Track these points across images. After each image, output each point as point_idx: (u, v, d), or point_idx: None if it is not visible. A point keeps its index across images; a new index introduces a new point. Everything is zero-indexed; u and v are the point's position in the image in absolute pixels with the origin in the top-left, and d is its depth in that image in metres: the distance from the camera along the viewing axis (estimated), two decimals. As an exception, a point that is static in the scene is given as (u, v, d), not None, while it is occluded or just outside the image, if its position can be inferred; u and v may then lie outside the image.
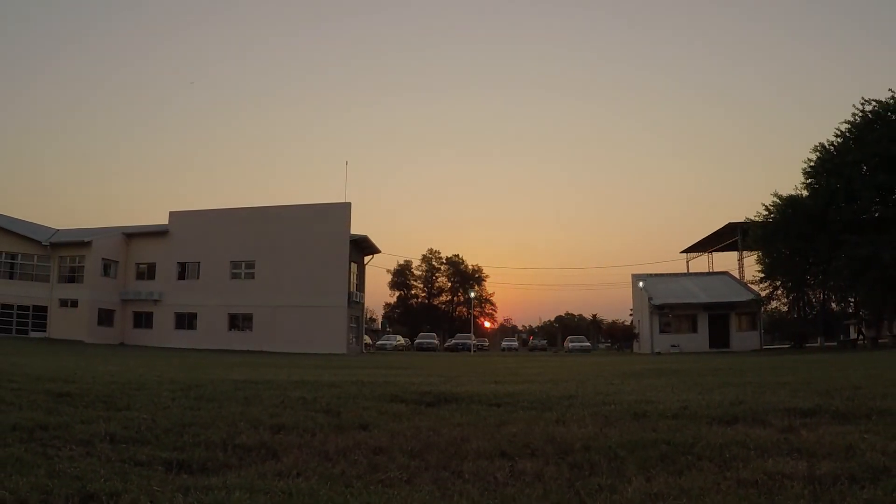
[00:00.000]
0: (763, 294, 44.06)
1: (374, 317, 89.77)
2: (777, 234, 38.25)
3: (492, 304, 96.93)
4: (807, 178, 38.21)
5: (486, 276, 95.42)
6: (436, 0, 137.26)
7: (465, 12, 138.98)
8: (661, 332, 48.17)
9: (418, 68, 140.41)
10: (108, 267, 43.84)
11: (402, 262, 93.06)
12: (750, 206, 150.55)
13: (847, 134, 36.49)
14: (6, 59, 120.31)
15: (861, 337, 40.13)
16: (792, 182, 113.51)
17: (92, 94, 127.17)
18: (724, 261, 71.76)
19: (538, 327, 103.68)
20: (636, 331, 55.11)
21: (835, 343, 43.25)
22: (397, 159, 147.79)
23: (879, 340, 37.21)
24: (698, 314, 48.00)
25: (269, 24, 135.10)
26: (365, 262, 48.03)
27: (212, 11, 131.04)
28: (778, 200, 39.13)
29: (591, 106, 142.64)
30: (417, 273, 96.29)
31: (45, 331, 41.05)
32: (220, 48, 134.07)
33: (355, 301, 44.42)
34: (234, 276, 44.16)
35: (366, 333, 55.11)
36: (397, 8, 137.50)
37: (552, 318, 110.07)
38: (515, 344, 66.61)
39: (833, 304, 44.66)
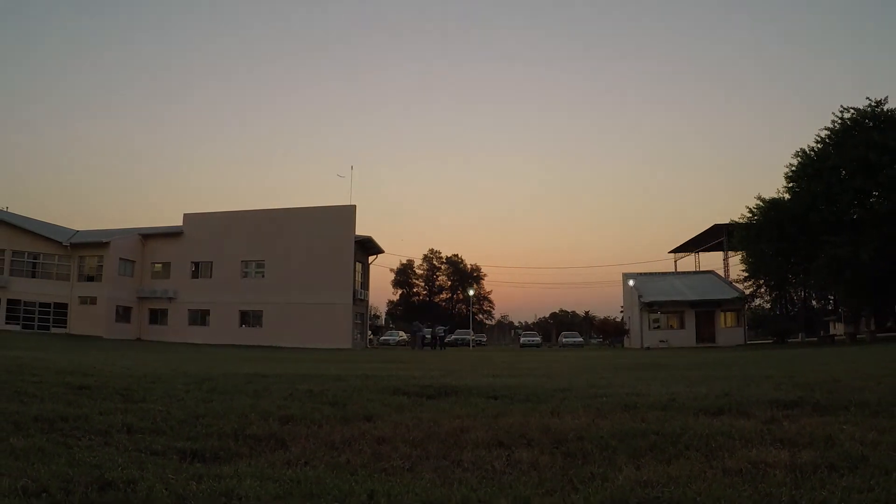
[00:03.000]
0: (747, 292, 44.05)
1: (377, 313, 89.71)
2: (760, 236, 38.22)
3: (490, 301, 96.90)
4: (788, 182, 38.18)
5: (485, 275, 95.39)
6: (437, 10, 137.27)
7: (465, 20, 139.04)
8: (651, 328, 48.20)
9: (419, 77, 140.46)
10: (125, 266, 43.81)
11: (404, 261, 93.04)
12: (735, 208, 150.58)
13: (827, 140, 36.46)
14: (26, 69, 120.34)
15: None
16: (775, 185, 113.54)
17: (108, 101, 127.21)
18: (711, 260, 71.90)
19: (533, 323, 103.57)
20: (627, 327, 55.09)
21: (815, 339, 43.24)
22: (400, 164, 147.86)
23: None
24: (686, 311, 48.04)
25: (278, 36, 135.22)
26: (369, 262, 48.00)
27: (222, 21, 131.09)
28: (761, 203, 39.10)
29: (587, 112, 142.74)
30: (419, 272, 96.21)
31: (65, 327, 41.04)
32: (231, 59, 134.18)
33: (360, 298, 44.40)
34: (245, 274, 44.17)
35: (370, 329, 55.11)
36: (400, 17, 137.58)
37: (547, 315, 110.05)
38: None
39: (814, 302, 44.67)
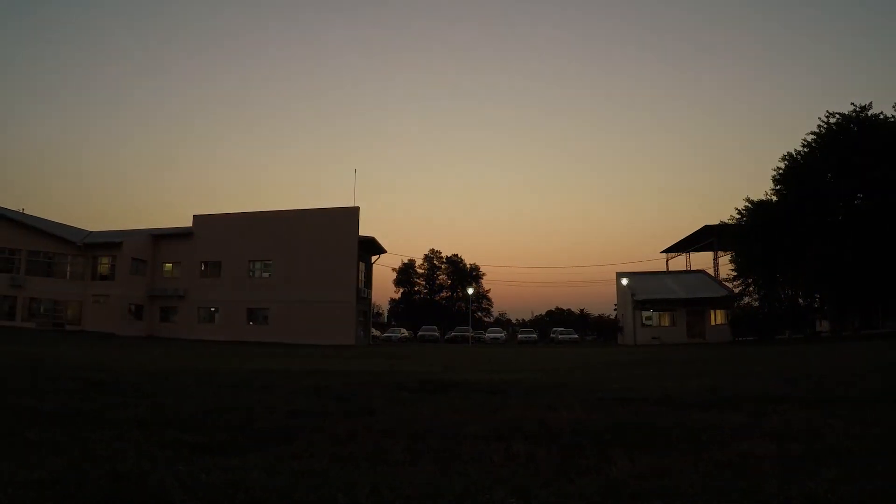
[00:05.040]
0: (736, 291, 43.99)
1: (380, 311, 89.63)
2: (749, 237, 38.18)
3: (488, 299, 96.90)
4: (776, 185, 38.13)
5: (483, 274, 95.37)
6: (438, 12, 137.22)
7: (466, 24, 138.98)
8: (644, 325, 48.19)
9: (419, 85, 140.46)
10: (137, 266, 43.78)
11: (406, 261, 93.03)
12: (724, 209, 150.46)
13: (813, 144, 36.42)
14: (37, 74, 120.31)
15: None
16: (763, 188, 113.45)
17: (121, 106, 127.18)
18: (701, 260, 71.60)
19: (530, 321, 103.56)
20: (620, 324, 55.07)
21: (801, 335, 43.20)
22: (402, 167, 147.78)
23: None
24: (677, 309, 48.05)
25: (284, 41, 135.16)
26: (372, 262, 47.97)
27: (229, 27, 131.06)
28: (749, 205, 39.07)
29: (583, 116, 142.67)
30: (420, 271, 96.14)
31: (79, 324, 41.04)
32: (238, 64, 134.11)
33: (363, 297, 44.38)
34: (253, 274, 44.14)
35: (373, 326, 55.08)
36: (404, 21, 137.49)
37: (543, 313, 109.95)
38: (503, 335, 61.09)
39: (800, 300, 44.56)
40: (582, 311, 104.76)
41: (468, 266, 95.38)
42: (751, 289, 43.15)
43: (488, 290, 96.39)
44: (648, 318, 48.71)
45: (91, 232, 46.77)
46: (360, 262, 43.90)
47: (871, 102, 35.09)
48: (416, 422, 5.12)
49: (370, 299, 49.83)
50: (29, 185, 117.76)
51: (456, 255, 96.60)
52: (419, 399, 6.72)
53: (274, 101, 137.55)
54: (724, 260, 51.38)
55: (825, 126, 35.89)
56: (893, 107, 34.44)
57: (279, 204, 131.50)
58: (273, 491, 3.05)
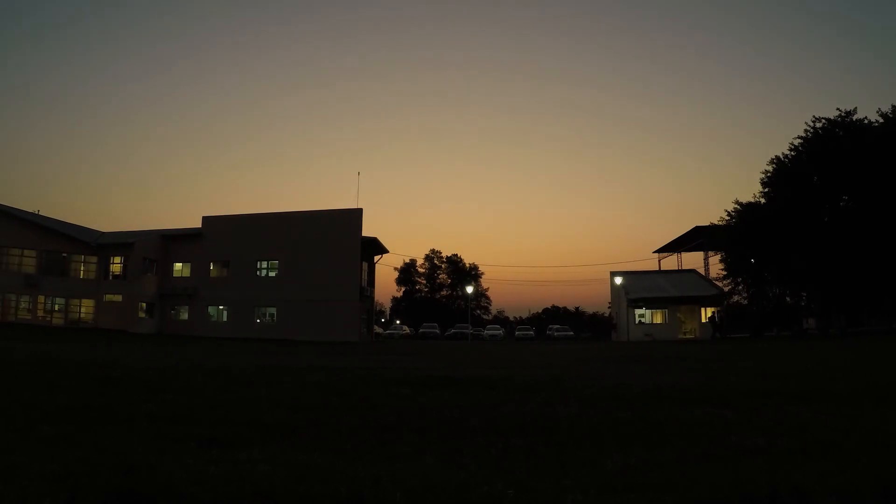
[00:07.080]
0: (726, 289, 43.98)
1: (382, 309, 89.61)
2: (738, 238, 38.17)
3: (487, 298, 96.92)
4: (764, 187, 38.15)
5: (482, 273, 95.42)
6: (439, 14, 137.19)
7: (466, 26, 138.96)
8: (637, 322, 48.16)
9: (420, 88, 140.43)
10: (148, 265, 43.77)
11: (407, 261, 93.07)
12: (715, 211, 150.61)
13: (800, 148, 36.44)
14: (52, 78, 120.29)
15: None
16: (751, 190, 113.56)
17: (130, 110, 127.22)
18: (692, 260, 71.58)
19: (527, 318, 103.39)
20: (614, 321, 55.04)
21: (789, 333, 43.17)
22: (403, 169, 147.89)
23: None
24: (669, 307, 48.02)
25: (289, 46, 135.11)
26: (375, 261, 47.96)
27: (235, 32, 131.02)
28: (738, 207, 39.07)
29: (580, 120, 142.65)
30: (421, 271, 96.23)
31: (92, 322, 41.01)
32: (245, 70, 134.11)
33: (366, 295, 44.37)
34: (260, 273, 44.15)
35: (375, 324, 55.04)
36: (406, 23, 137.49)
37: (540, 311, 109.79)
38: (501, 332, 60.57)
39: (787, 299, 44.57)
40: (577, 308, 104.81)
41: (467, 265, 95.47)
42: (740, 287, 43.16)
43: (487, 289, 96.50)
44: (641, 316, 48.70)
45: (104, 233, 46.78)
46: (363, 262, 43.89)
47: (856, 108, 35.32)
48: (418, 416, 5.11)
49: (373, 298, 49.84)
50: (44, 188, 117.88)
51: (456, 255, 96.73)
52: (420, 394, 6.70)
53: (279, 107, 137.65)
54: (715, 260, 51.42)
55: (812, 130, 35.90)
56: (877, 112, 34.43)
57: (285, 206, 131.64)
58: (278, 483, 3.03)
